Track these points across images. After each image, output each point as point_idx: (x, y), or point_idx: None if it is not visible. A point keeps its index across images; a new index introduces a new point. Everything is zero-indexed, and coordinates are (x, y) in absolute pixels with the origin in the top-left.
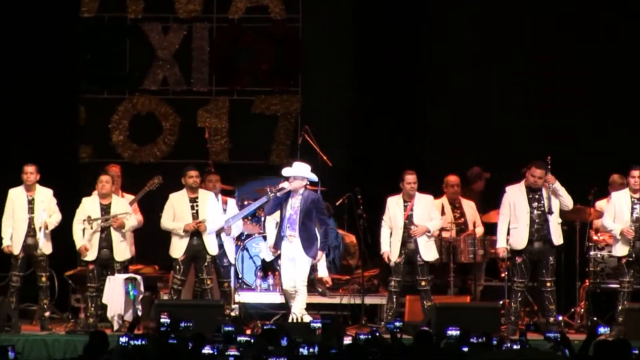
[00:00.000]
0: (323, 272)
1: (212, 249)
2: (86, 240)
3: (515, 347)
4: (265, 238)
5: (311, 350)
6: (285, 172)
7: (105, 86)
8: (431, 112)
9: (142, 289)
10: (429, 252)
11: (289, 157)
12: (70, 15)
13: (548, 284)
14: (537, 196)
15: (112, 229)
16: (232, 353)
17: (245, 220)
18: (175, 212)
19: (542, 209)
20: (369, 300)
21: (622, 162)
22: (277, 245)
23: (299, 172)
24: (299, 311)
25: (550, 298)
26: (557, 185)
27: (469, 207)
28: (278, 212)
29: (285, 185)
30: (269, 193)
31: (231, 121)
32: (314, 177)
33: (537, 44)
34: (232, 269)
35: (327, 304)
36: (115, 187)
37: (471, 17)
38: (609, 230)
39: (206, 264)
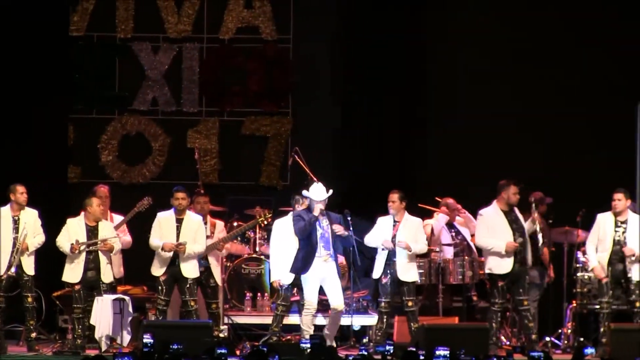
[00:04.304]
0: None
1: (189, 272)
2: (71, 260)
3: None
4: (255, 259)
5: None
6: (317, 196)
7: (94, 106)
8: (422, 133)
9: (130, 309)
10: (407, 272)
11: (279, 178)
12: (59, 34)
13: (525, 302)
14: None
15: (99, 251)
16: None
17: (234, 241)
18: (162, 231)
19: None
20: (358, 321)
21: (611, 184)
22: (304, 269)
23: (325, 195)
24: (335, 331)
25: (528, 316)
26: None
27: (466, 229)
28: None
29: (321, 207)
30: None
31: (221, 142)
32: (329, 193)
33: (524, 71)
34: (221, 290)
35: (316, 325)
36: (104, 208)
37: (465, 38)
38: (589, 259)
39: (188, 285)
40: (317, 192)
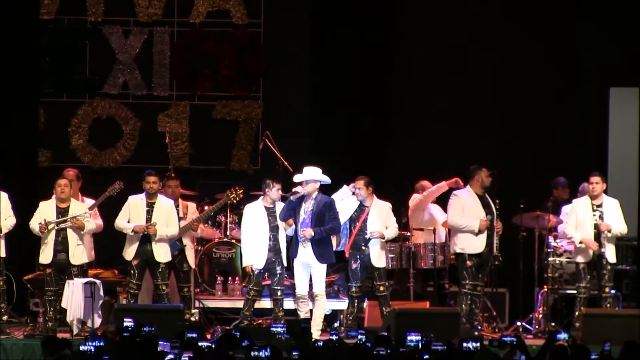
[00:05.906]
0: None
1: (161, 256)
2: (43, 242)
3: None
4: (226, 243)
5: (264, 353)
6: (297, 177)
7: (65, 89)
8: (393, 118)
9: (101, 293)
10: (379, 258)
11: (250, 162)
12: (29, 17)
13: (479, 289)
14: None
15: (68, 232)
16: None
17: (205, 225)
18: (131, 214)
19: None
20: (329, 305)
21: (583, 169)
22: (293, 252)
23: (311, 176)
24: (318, 318)
25: (477, 302)
26: None
27: (440, 212)
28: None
29: (298, 189)
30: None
31: (192, 126)
32: (327, 180)
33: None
34: (193, 273)
35: (287, 310)
36: (74, 191)
37: (433, 25)
38: (568, 237)
39: (160, 269)
40: (299, 174)
